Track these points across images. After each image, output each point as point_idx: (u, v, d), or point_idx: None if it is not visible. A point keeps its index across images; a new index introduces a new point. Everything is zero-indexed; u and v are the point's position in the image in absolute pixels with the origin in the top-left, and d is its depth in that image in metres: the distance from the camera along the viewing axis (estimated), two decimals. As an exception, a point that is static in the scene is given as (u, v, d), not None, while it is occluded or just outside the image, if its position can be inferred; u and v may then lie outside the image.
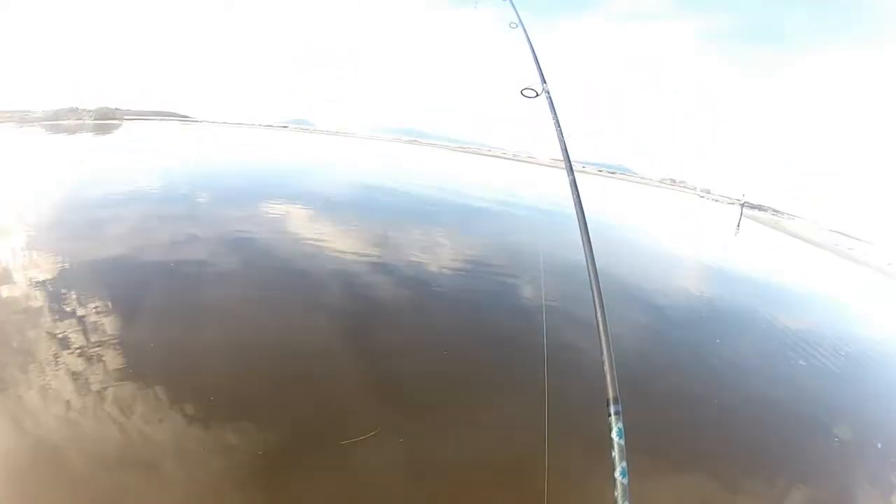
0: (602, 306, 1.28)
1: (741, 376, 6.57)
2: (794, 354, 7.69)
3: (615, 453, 1.21)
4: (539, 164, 40.86)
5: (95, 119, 18.40)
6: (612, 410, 1.24)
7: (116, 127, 18.42)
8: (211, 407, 4.36)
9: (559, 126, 1.93)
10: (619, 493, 1.18)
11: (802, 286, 13.68)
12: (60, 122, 16.94)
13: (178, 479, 3.69)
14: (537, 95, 2.13)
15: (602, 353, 1.22)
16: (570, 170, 1.69)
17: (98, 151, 15.69)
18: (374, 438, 4.17)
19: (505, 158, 40.16)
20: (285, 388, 4.99)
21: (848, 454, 5.14)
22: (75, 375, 4.49)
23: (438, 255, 9.87)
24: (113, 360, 4.90)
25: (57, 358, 4.70)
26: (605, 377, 1.25)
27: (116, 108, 20.59)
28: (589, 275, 1.30)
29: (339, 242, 9.94)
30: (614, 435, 1.22)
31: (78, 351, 4.93)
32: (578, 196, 1.58)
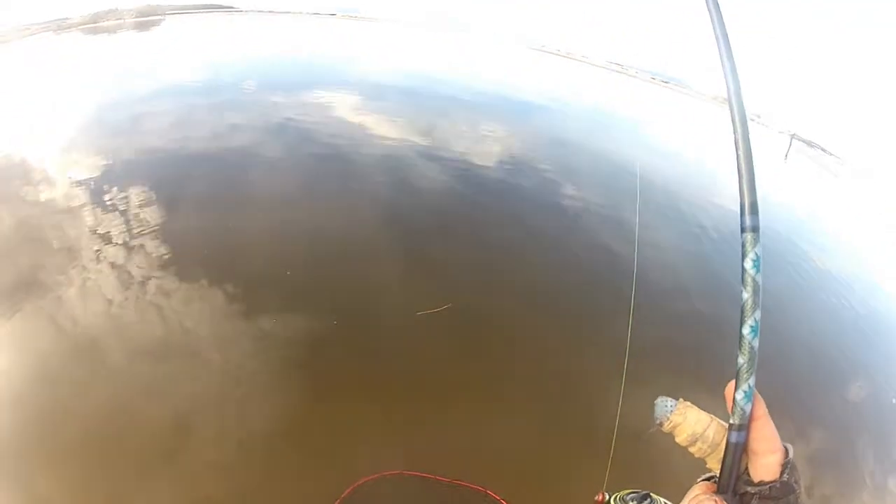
0: (738, 83, 0.84)
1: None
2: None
3: (747, 294, 0.72)
4: (594, 64, 39.03)
5: (136, 17, 17.18)
6: (747, 224, 0.75)
7: (158, 23, 17.36)
8: (288, 281, 5.21)
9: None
10: (744, 360, 0.72)
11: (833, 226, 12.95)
12: (99, 24, 16.02)
13: (284, 341, 4.41)
14: None
15: (736, 143, 0.77)
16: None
17: (138, 49, 14.98)
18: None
19: (558, 55, 37.28)
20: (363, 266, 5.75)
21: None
22: (123, 267, 5.08)
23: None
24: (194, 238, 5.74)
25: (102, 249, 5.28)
26: (739, 178, 0.78)
27: (158, 5, 19.20)
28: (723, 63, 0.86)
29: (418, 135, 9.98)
30: (748, 264, 0.73)
31: (142, 234, 5.59)
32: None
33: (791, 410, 5.04)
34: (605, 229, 7.32)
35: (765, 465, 0.72)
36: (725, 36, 0.90)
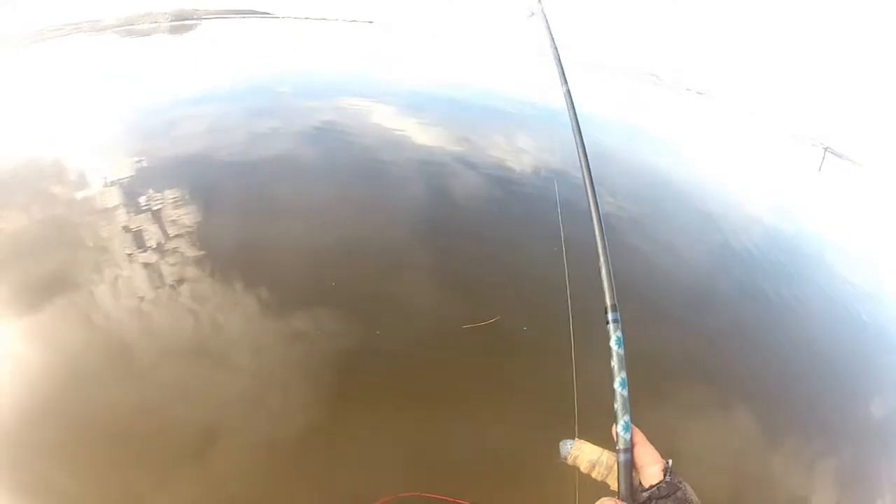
0: (598, 208, 1.16)
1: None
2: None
3: (614, 363, 1.12)
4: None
5: (172, 21, 17.47)
6: (609, 318, 1.14)
7: (194, 28, 17.68)
8: (331, 292, 5.18)
9: (555, 45, 1.87)
10: (618, 405, 1.07)
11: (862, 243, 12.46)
12: (134, 26, 16.35)
13: (339, 346, 4.39)
14: (533, 15, 2.21)
15: (599, 258, 1.15)
16: (564, 80, 1.58)
17: (176, 53, 15.26)
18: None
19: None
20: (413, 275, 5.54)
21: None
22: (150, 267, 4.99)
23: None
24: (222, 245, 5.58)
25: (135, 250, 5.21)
26: (602, 283, 1.16)
27: (194, 9, 19.52)
28: (582, 172, 1.19)
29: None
30: (613, 344, 1.12)
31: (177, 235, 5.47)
32: (573, 104, 1.40)
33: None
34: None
35: (651, 473, 1.00)
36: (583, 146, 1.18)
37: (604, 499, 0.98)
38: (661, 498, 0.95)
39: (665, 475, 0.97)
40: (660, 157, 12.73)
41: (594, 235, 1.07)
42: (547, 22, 2.13)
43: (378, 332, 4.73)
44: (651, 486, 0.97)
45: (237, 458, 3.49)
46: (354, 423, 3.92)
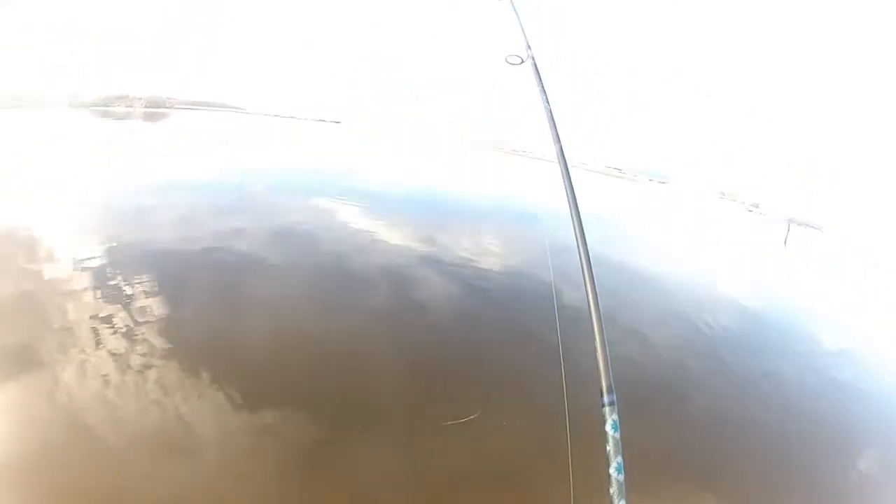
0: (594, 288, 1.19)
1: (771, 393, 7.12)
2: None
3: (609, 448, 1.16)
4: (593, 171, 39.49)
5: (146, 107, 17.96)
6: (605, 401, 1.19)
7: (167, 116, 18.19)
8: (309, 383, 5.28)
9: (545, 94, 1.87)
10: (614, 490, 1.11)
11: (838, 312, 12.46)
12: (109, 107, 16.74)
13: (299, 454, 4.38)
14: (522, 62, 2.19)
15: (595, 340, 1.18)
16: (557, 138, 1.55)
17: (149, 141, 15.60)
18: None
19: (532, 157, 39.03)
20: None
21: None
22: (117, 356, 4.96)
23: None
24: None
25: (99, 338, 5.18)
26: (597, 366, 1.17)
27: (168, 97, 20.20)
28: (578, 250, 1.23)
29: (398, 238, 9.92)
30: (608, 428, 1.16)
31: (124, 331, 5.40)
32: (566, 165, 1.40)
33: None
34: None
35: None
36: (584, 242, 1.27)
37: None
38: None
39: None
40: (625, 246, 13.40)
41: (590, 315, 1.07)
42: (537, 71, 2.12)
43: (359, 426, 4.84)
44: None
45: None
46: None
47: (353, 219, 10.73)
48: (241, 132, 20.40)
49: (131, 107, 17.46)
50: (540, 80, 2.10)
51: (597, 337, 1.13)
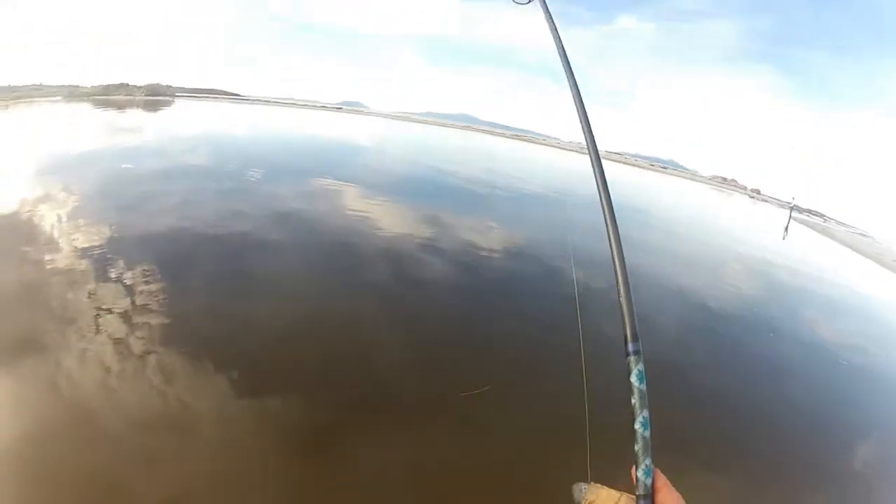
0: (616, 232, 1.08)
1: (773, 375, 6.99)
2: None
3: (635, 400, 0.99)
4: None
5: (146, 95, 17.88)
6: (630, 349, 1.03)
7: (167, 104, 18.08)
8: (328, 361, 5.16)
9: (556, 33, 1.72)
10: (639, 447, 0.95)
11: (844, 294, 13.41)
12: (110, 97, 16.63)
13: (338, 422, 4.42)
14: (529, 1, 2.11)
15: (618, 286, 1.05)
16: (575, 87, 1.41)
17: (149, 128, 15.48)
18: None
19: (559, 147, 40.04)
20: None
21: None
22: (118, 341, 4.96)
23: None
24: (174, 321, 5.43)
25: (101, 322, 5.17)
26: (621, 312, 1.04)
27: (168, 85, 20.09)
28: (599, 194, 1.12)
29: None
30: (633, 379, 1.00)
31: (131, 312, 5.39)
32: (589, 126, 1.29)
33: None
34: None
35: None
36: (603, 176, 1.17)
37: None
38: None
39: None
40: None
41: (613, 262, 1.00)
42: (549, 15, 1.94)
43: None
44: None
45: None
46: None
47: (355, 199, 10.67)
48: (240, 118, 20.38)
49: (132, 95, 17.40)
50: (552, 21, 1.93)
51: (620, 283, 1.07)
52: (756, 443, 6.00)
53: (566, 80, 1.62)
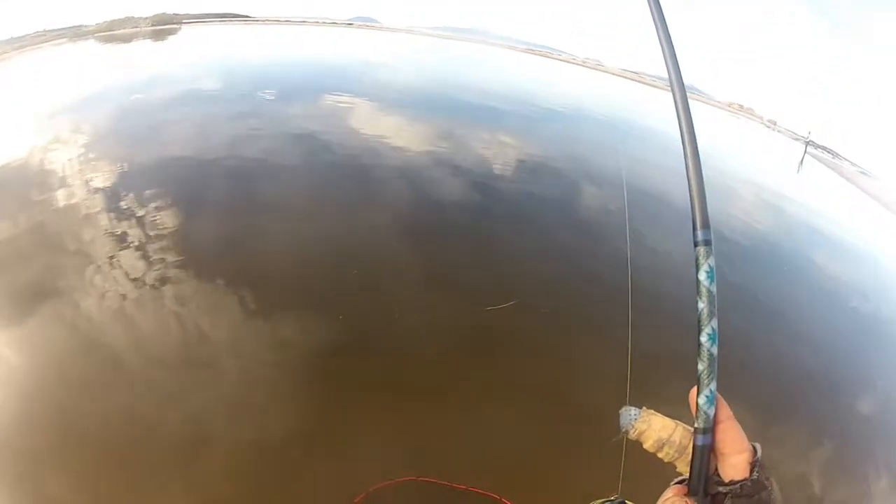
0: (689, 119, 0.87)
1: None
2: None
3: (702, 304, 0.78)
4: (608, 72, 39.14)
5: (152, 25, 17.37)
6: (699, 237, 0.82)
7: (175, 32, 17.55)
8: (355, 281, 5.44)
9: None
10: (703, 366, 0.76)
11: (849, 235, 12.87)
12: (115, 32, 16.20)
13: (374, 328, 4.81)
14: None
15: (688, 170, 0.84)
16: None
17: (155, 58, 15.14)
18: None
19: (574, 64, 38.11)
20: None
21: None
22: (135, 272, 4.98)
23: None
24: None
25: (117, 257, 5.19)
26: (691, 199, 0.84)
27: (174, 13, 19.40)
28: (672, 86, 0.90)
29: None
30: (702, 276, 0.79)
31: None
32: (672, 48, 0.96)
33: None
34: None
35: (733, 464, 0.75)
36: (674, 57, 0.96)
37: (669, 492, 0.80)
38: (741, 497, 0.73)
39: (752, 470, 0.74)
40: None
41: (683, 146, 0.85)
42: None
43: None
44: (732, 482, 0.75)
45: (217, 461, 3.46)
46: (342, 415, 3.92)
47: (368, 118, 10.31)
48: (253, 40, 19.65)
49: (137, 27, 16.90)
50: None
51: (690, 167, 0.85)
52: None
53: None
